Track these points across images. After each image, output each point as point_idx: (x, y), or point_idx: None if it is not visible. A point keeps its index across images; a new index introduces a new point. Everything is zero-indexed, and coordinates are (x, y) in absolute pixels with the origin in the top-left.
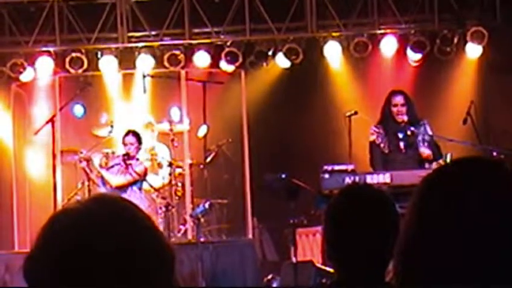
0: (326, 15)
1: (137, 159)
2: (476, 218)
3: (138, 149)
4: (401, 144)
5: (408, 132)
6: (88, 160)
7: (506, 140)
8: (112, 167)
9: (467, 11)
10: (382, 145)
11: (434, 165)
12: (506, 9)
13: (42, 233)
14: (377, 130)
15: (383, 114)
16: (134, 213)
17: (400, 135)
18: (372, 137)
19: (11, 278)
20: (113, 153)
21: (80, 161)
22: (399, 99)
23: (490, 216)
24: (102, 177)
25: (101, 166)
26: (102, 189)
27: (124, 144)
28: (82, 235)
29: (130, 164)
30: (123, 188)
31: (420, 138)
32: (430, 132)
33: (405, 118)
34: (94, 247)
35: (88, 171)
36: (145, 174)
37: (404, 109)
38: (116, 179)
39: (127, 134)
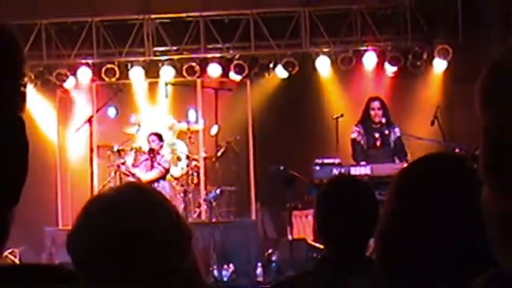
0: (317, 34)
1: (162, 156)
2: (441, 204)
3: (160, 146)
4: (377, 142)
5: (382, 133)
6: (123, 162)
7: (466, 139)
8: (141, 164)
9: (434, 31)
10: (362, 142)
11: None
12: (467, 30)
13: (82, 214)
14: (357, 129)
15: (362, 116)
16: (158, 198)
17: (376, 135)
18: (354, 135)
19: (56, 250)
20: (140, 148)
21: (115, 165)
22: (376, 104)
23: (452, 202)
24: (134, 174)
25: (132, 165)
26: (131, 178)
27: (148, 141)
28: (115, 216)
29: (156, 159)
30: (152, 182)
31: (392, 137)
32: (398, 134)
33: (381, 120)
34: (124, 226)
35: (121, 168)
36: (169, 168)
37: (380, 112)
38: (146, 175)
39: (150, 134)
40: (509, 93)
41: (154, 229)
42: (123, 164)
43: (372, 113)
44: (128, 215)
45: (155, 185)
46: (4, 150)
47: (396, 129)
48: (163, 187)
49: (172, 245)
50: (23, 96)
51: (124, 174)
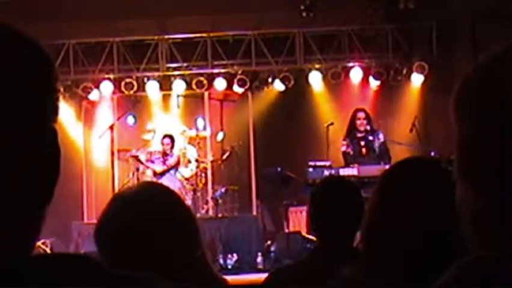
0: (310, 52)
1: (172, 155)
2: (418, 201)
3: (172, 148)
4: (363, 149)
5: (367, 139)
6: (136, 156)
7: (440, 143)
8: (154, 161)
9: (412, 50)
10: (350, 151)
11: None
12: (440, 48)
13: (107, 207)
14: (344, 143)
15: (349, 127)
16: (172, 195)
17: (362, 143)
18: (343, 148)
19: (82, 242)
20: (155, 151)
21: (131, 157)
22: (361, 115)
23: (429, 200)
24: (148, 167)
25: (146, 160)
26: (147, 178)
27: (162, 144)
28: (135, 209)
29: (167, 158)
30: (164, 173)
31: (376, 144)
32: (382, 139)
33: (366, 128)
34: (143, 218)
35: (136, 161)
36: (178, 162)
37: (365, 122)
38: (158, 167)
39: (164, 137)
40: (476, 107)
41: (169, 221)
42: (135, 156)
43: (358, 122)
44: (146, 209)
45: (166, 174)
46: (41, 156)
47: (381, 135)
48: (174, 181)
49: (183, 236)
50: (56, 109)
51: (138, 168)
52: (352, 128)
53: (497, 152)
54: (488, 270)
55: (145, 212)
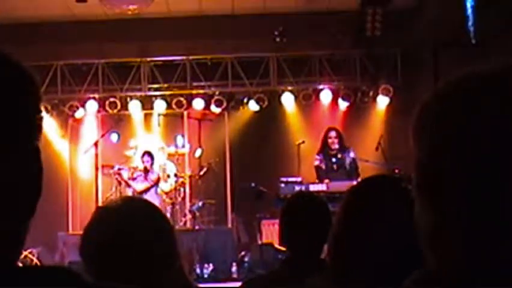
0: (283, 75)
1: (153, 171)
2: (380, 216)
3: (152, 164)
4: (334, 166)
5: (338, 156)
6: (120, 174)
7: (404, 161)
8: (136, 178)
9: (379, 74)
10: (322, 166)
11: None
12: (405, 73)
13: (92, 219)
14: (318, 157)
15: (322, 144)
16: (152, 209)
17: (333, 160)
18: (316, 163)
19: (67, 251)
20: (136, 167)
21: (114, 175)
22: (333, 134)
23: (389, 215)
24: (129, 185)
25: (129, 178)
26: (129, 192)
27: (142, 161)
28: (117, 223)
29: (147, 175)
30: (145, 191)
31: (347, 161)
32: (352, 156)
33: (337, 146)
34: (125, 228)
35: (120, 180)
36: (158, 180)
37: (336, 140)
38: (139, 186)
39: (143, 154)
40: (431, 131)
41: (150, 234)
42: (119, 175)
43: (329, 140)
44: (128, 222)
45: (147, 193)
46: (24, 173)
47: (351, 153)
48: (155, 198)
49: (164, 249)
50: (39, 128)
51: (121, 183)
52: (324, 145)
53: (450, 171)
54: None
55: (128, 225)
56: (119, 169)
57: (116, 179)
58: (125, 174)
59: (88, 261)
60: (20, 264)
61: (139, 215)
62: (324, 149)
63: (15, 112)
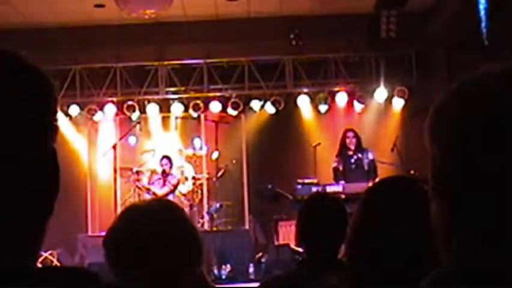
0: (299, 78)
1: (172, 175)
2: (397, 216)
3: (171, 167)
4: (353, 166)
5: (356, 157)
6: (139, 180)
7: (419, 162)
8: (154, 183)
9: (394, 75)
10: (340, 168)
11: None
12: (420, 74)
13: (118, 218)
14: (336, 159)
15: (340, 145)
16: (179, 211)
17: (352, 160)
18: (334, 164)
19: (86, 253)
20: (155, 170)
21: (134, 181)
22: (350, 134)
23: (406, 215)
24: (149, 190)
25: (148, 183)
26: (147, 194)
27: (161, 165)
28: (144, 221)
29: (167, 179)
30: (165, 196)
31: (365, 161)
32: (371, 157)
33: (354, 147)
34: (150, 229)
35: (138, 184)
36: (178, 184)
37: (354, 140)
38: (160, 191)
39: (162, 158)
40: (447, 132)
41: (174, 234)
42: (138, 181)
43: (347, 140)
44: (154, 221)
45: (166, 196)
46: (41, 174)
47: (370, 154)
48: (169, 197)
49: (187, 249)
50: (55, 129)
51: (141, 189)
52: (343, 147)
53: (465, 172)
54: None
55: (154, 223)
56: (137, 172)
57: (137, 185)
58: (145, 180)
59: (109, 254)
60: (40, 266)
61: (165, 218)
62: (343, 151)
63: (31, 114)
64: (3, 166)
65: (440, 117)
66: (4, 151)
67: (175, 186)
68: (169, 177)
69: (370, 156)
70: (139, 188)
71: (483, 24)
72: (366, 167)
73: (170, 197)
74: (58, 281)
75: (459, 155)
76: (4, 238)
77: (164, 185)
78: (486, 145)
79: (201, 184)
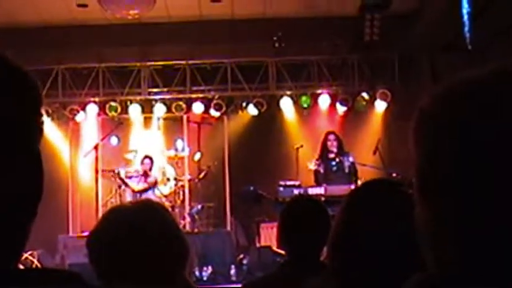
0: (282, 80)
1: (150, 176)
2: (379, 219)
3: (151, 168)
4: (333, 168)
5: (337, 160)
6: (119, 175)
7: (401, 165)
8: (131, 177)
9: (376, 78)
10: (321, 170)
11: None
12: (402, 77)
13: (101, 219)
14: (317, 162)
15: (321, 147)
16: (163, 211)
17: (333, 163)
18: (315, 167)
19: (67, 253)
20: (136, 170)
21: (114, 178)
22: (332, 137)
23: (388, 218)
24: (126, 184)
25: (126, 177)
26: (128, 195)
27: (142, 164)
28: (127, 222)
29: (146, 178)
30: (142, 191)
31: (346, 164)
32: (351, 160)
33: (336, 149)
34: (134, 230)
35: (116, 179)
36: (155, 183)
37: (335, 143)
38: (136, 186)
39: (144, 158)
40: (431, 135)
41: (158, 235)
42: (117, 174)
43: (328, 143)
44: (138, 222)
45: (144, 194)
46: (25, 176)
47: (350, 157)
48: (149, 195)
49: (171, 250)
50: (40, 132)
51: (118, 182)
52: (324, 149)
53: (449, 175)
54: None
55: (137, 224)
56: (118, 173)
57: (112, 176)
58: (122, 173)
59: (92, 255)
60: (21, 267)
61: (151, 217)
62: (323, 153)
63: (16, 116)
64: None
65: (424, 121)
66: None
67: (152, 185)
68: (148, 178)
69: (351, 159)
70: (119, 186)
71: (466, 28)
72: (347, 170)
73: (151, 198)
74: (42, 283)
75: (444, 159)
76: None
77: (144, 182)
78: (471, 149)
79: (183, 185)
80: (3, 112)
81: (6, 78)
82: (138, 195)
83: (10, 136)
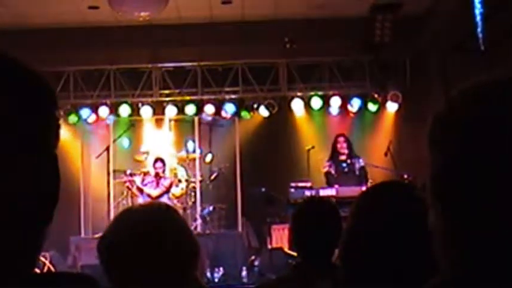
0: (293, 81)
1: (165, 177)
2: (391, 221)
3: (164, 170)
4: (345, 170)
5: (348, 162)
6: (132, 181)
7: (412, 167)
8: (146, 184)
9: (388, 80)
10: (333, 172)
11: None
12: (413, 79)
13: (114, 221)
14: (328, 164)
15: (332, 150)
16: (176, 216)
17: (344, 165)
18: (326, 169)
19: (79, 255)
20: (148, 172)
21: (126, 182)
22: (341, 139)
23: (400, 221)
24: (142, 191)
25: (141, 184)
26: (140, 198)
27: (154, 167)
28: (139, 224)
29: (160, 180)
30: (159, 197)
31: (356, 166)
32: (362, 164)
33: (346, 151)
34: (146, 233)
35: (130, 186)
36: (171, 185)
37: (345, 145)
38: (153, 192)
39: (155, 161)
40: (448, 140)
41: (169, 237)
42: (131, 183)
43: (338, 145)
44: (149, 224)
45: (159, 198)
46: (42, 180)
47: (360, 160)
48: (163, 200)
49: (182, 252)
50: (57, 136)
51: (133, 193)
52: (334, 151)
53: (465, 180)
54: None
55: (149, 229)
56: (130, 174)
57: (128, 187)
58: (138, 181)
59: (103, 258)
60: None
61: (162, 218)
62: (334, 155)
63: (33, 119)
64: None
65: (439, 126)
66: (3, 151)
67: (168, 188)
68: (162, 180)
69: (361, 162)
70: (130, 190)
71: (479, 29)
72: (357, 172)
73: (164, 199)
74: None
75: (461, 164)
76: (7, 245)
77: (157, 186)
78: (489, 154)
79: (194, 187)
80: (16, 114)
81: (24, 82)
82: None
83: (26, 140)
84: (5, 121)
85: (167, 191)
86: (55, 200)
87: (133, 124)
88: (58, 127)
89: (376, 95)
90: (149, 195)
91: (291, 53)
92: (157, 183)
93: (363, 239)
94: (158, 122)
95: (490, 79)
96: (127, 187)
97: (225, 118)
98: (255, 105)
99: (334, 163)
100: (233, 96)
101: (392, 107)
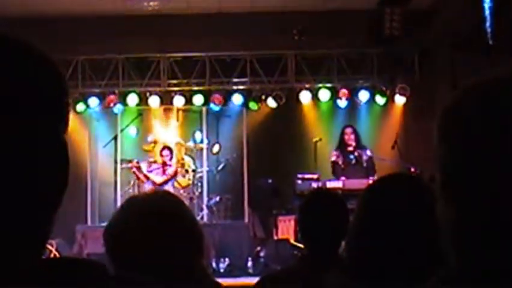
0: (301, 73)
1: (170, 165)
2: (398, 212)
3: (171, 158)
4: (352, 161)
5: (356, 154)
6: (138, 167)
7: (419, 159)
8: (152, 171)
9: (396, 73)
10: (340, 162)
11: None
12: (421, 73)
13: (119, 210)
14: (336, 153)
15: (339, 141)
16: (178, 202)
17: (351, 156)
18: (333, 158)
19: (85, 243)
20: (155, 161)
21: (132, 168)
22: (349, 130)
23: (408, 212)
24: (148, 178)
25: (147, 170)
26: (147, 185)
27: (161, 155)
28: (144, 213)
29: (166, 169)
30: (163, 184)
31: (364, 158)
32: (369, 155)
33: (353, 143)
34: (151, 222)
35: (138, 173)
36: (175, 173)
37: (352, 136)
38: (158, 178)
39: (163, 149)
40: (455, 133)
41: (174, 226)
42: (138, 168)
43: (346, 137)
44: (154, 213)
45: (164, 185)
46: (51, 165)
47: (368, 151)
48: (169, 189)
49: (187, 241)
50: (66, 121)
51: (140, 179)
52: (342, 142)
53: (474, 172)
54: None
55: (154, 215)
56: (137, 162)
57: (134, 172)
58: (144, 167)
59: (109, 246)
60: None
61: (167, 207)
62: (342, 146)
63: (44, 104)
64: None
65: (449, 118)
66: (13, 136)
67: (172, 176)
68: (168, 167)
69: (368, 153)
70: (138, 177)
71: (488, 23)
72: (365, 164)
73: (169, 188)
74: (69, 274)
75: (467, 156)
76: (16, 232)
77: (163, 174)
78: (498, 146)
79: (201, 177)
80: (28, 99)
81: (34, 66)
82: (160, 186)
83: (36, 126)
84: (18, 107)
85: (172, 178)
86: (65, 186)
87: (141, 113)
88: (68, 112)
89: (384, 88)
90: (153, 182)
91: (300, 44)
92: (163, 171)
93: (370, 231)
94: (166, 112)
95: (500, 72)
96: (134, 172)
97: (232, 109)
98: (263, 97)
99: (342, 154)
100: (241, 87)
101: (400, 100)
